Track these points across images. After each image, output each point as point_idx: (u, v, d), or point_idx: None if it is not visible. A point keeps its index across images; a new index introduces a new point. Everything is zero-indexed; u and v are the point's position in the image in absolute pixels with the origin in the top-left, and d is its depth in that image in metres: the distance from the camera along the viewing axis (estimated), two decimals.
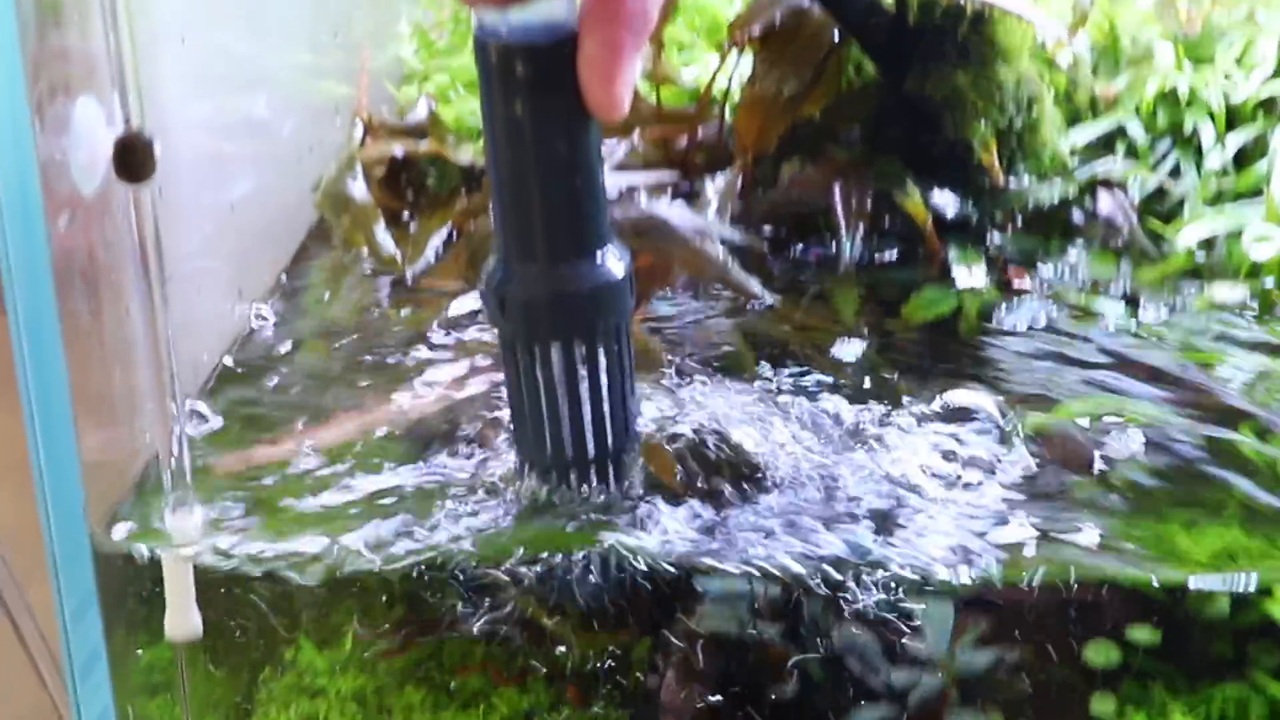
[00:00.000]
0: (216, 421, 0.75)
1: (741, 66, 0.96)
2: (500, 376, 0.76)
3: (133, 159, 0.58)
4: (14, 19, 0.58)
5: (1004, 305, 0.84)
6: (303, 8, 0.97)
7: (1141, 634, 0.70)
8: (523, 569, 0.64)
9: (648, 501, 0.65)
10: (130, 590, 0.70)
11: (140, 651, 0.74)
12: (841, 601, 0.63)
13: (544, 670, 0.76)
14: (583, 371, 0.62)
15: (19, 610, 0.71)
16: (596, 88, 0.57)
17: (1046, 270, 0.89)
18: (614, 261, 0.61)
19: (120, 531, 0.67)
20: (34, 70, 0.59)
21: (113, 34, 0.61)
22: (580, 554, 0.64)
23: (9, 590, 0.71)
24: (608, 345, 0.62)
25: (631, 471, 0.65)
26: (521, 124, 0.58)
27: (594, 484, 0.64)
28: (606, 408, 0.63)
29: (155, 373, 0.66)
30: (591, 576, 0.64)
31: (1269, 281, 0.85)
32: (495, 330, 0.64)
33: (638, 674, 0.74)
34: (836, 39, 0.88)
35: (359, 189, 0.95)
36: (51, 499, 0.64)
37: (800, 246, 0.91)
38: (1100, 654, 0.71)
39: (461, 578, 0.68)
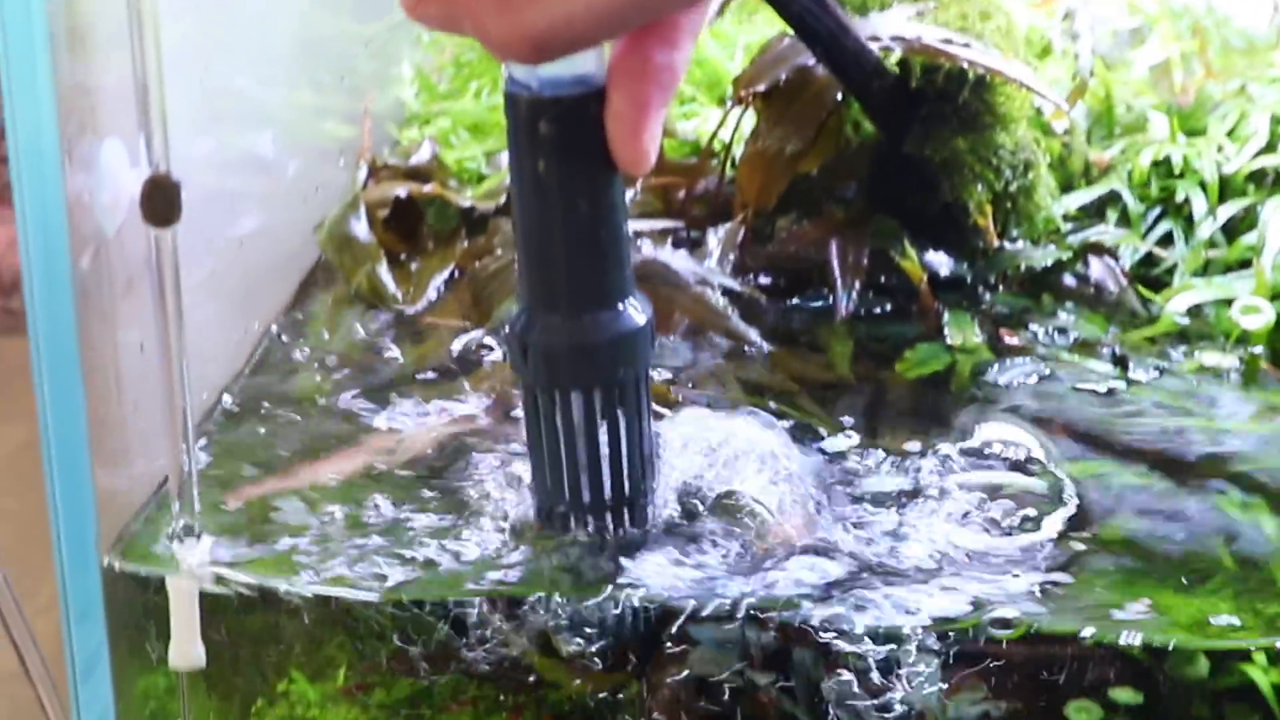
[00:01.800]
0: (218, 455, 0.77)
1: (743, 121, 0.97)
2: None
3: (160, 203, 0.60)
4: (49, 58, 0.59)
5: (996, 364, 0.86)
6: (304, 49, 0.98)
7: (1123, 695, 0.72)
8: (521, 609, 0.66)
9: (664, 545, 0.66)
10: (134, 616, 0.71)
11: (139, 679, 0.75)
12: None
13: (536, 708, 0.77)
14: (603, 419, 0.63)
15: (19, 629, 0.72)
16: (623, 142, 0.59)
17: (1038, 330, 0.90)
18: (635, 313, 0.63)
19: (127, 559, 0.68)
20: (65, 109, 0.60)
21: (141, 76, 0.62)
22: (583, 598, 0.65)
23: (9, 610, 0.72)
24: (628, 394, 0.63)
25: (648, 516, 0.66)
26: (547, 176, 0.60)
27: (611, 529, 0.65)
28: (625, 454, 0.64)
29: (168, 405, 0.67)
30: (591, 617, 0.65)
31: (1257, 349, 0.87)
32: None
33: (628, 716, 0.75)
34: (839, 98, 0.90)
35: (362, 229, 0.96)
36: (64, 523, 0.65)
37: (795, 300, 0.93)
38: (1082, 714, 0.72)
39: (457, 614, 0.69)
